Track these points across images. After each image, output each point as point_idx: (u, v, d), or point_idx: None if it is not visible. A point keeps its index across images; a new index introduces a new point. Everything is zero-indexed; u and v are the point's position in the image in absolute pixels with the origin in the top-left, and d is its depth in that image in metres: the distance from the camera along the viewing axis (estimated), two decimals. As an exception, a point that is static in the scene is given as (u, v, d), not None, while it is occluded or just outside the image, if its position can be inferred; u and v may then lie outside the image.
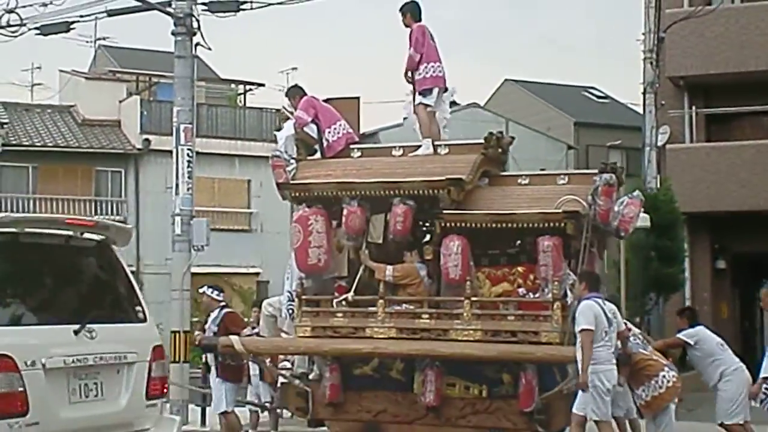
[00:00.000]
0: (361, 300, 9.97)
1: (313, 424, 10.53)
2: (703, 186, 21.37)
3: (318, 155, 10.65)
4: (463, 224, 9.51)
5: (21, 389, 6.03)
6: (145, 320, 7.15)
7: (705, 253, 22.29)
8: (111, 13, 15.73)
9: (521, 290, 9.64)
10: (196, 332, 12.45)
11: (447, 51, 10.55)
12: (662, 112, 22.13)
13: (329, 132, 10.62)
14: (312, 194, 10.16)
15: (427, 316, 9.67)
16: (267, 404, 12.33)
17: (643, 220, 17.86)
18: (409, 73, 10.44)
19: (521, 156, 29.21)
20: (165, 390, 7.27)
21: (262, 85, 31.45)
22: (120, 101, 29.23)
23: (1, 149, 25.50)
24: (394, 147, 10.60)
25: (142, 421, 6.96)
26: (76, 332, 6.48)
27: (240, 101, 32.10)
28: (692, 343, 10.28)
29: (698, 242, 22.07)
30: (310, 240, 9.99)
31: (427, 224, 10.25)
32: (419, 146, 10.35)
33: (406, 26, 10.57)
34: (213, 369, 11.56)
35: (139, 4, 15.45)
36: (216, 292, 11.59)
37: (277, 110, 26.00)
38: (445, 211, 9.59)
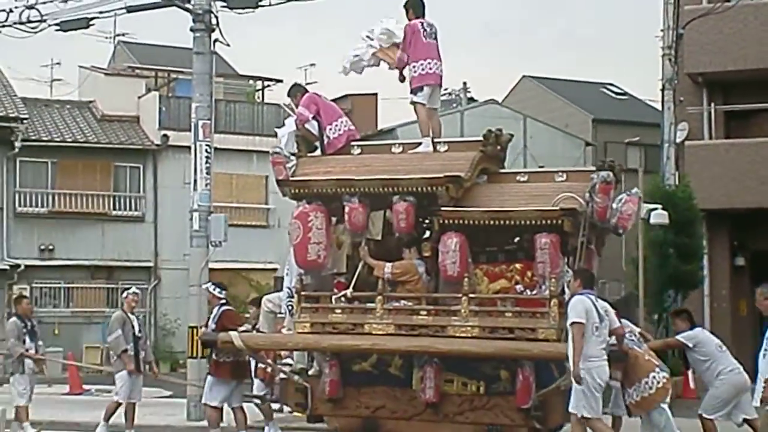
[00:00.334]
0: (359, 296, 10.00)
1: (312, 419, 10.58)
2: (721, 183, 21.14)
3: (318, 152, 10.70)
4: (461, 221, 9.52)
5: None
6: None
7: (724, 250, 22.03)
8: (130, 10, 15.82)
9: (519, 287, 9.66)
10: (201, 329, 12.51)
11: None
12: (681, 108, 21.95)
13: (330, 129, 10.69)
14: (311, 191, 10.20)
15: (425, 312, 9.67)
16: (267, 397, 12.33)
17: (662, 217, 17.84)
18: (400, 73, 10.56)
19: (539, 152, 29.25)
20: None
21: (281, 81, 31.29)
22: (139, 97, 29.31)
23: (21, 144, 25.66)
24: (394, 144, 10.67)
25: None
26: None
27: (258, 97, 32.08)
28: (691, 345, 10.29)
29: (717, 239, 21.83)
30: (310, 236, 10.05)
31: (426, 221, 10.24)
32: (419, 143, 10.36)
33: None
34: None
35: (158, 0, 15.54)
36: (218, 289, 11.65)
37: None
38: (443, 208, 9.60)
